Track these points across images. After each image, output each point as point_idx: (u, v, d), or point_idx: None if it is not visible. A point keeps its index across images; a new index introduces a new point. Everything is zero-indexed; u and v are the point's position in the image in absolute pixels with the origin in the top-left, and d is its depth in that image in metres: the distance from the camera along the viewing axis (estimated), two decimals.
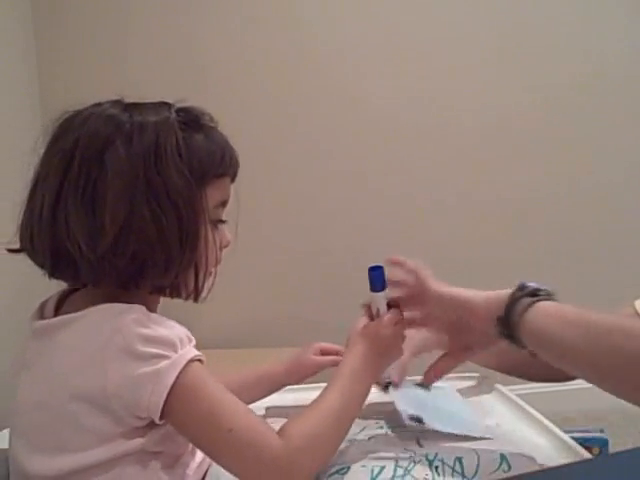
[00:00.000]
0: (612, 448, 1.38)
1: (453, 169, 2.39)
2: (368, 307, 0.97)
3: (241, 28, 2.31)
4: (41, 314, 0.84)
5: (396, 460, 0.88)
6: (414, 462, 0.88)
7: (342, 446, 0.85)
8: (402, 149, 2.37)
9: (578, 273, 2.42)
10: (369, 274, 0.95)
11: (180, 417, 0.76)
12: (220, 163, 0.86)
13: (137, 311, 0.77)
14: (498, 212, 2.43)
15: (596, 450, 1.35)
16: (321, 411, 0.83)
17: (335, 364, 1.05)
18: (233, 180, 0.92)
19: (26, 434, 0.79)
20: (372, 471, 0.86)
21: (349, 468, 0.87)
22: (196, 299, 0.85)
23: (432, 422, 1.00)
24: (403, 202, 2.39)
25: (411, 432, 0.98)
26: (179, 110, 0.86)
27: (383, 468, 0.87)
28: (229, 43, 2.32)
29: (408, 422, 1.01)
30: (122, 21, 2.27)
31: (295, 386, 1.13)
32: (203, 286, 0.85)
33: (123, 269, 0.78)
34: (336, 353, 1.12)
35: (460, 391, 1.17)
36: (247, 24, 2.31)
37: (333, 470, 0.87)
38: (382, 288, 0.96)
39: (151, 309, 0.81)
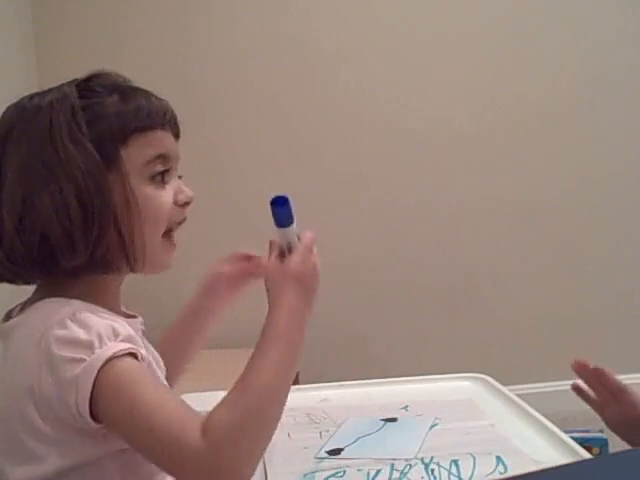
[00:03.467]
0: (612, 448, 1.37)
1: (452, 170, 2.38)
2: (275, 245, 0.87)
3: (236, 22, 2.31)
4: (9, 315, 0.83)
5: (392, 463, 0.88)
6: (410, 465, 0.87)
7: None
8: (401, 149, 2.37)
9: (580, 275, 2.42)
10: (272, 209, 0.84)
11: (107, 418, 0.72)
12: (139, 118, 0.82)
13: (64, 312, 0.75)
14: (499, 213, 2.43)
15: (596, 450, 1.35)
16: (247, 392, 0.74)
17: (248, 272, 0.99)
18: (175, 134, 0.88)
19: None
20: (368, 474, 0.85)
21: (345, 472, 0.86)
22: (133, 269, 0.81)
23: (353, 452, 0.93)
24: (403, 202, 2.39)
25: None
26: (87, 79, 0.84)
27: (379, 471, 0.86)
28: (227, 43, 2.32)
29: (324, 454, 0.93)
30: (120, 18, 2.27)
31: None
32: (139, 254, 0.81)
33: (36, 257, 0.76)
34: (249, 259, 1.01)
35: (459, 391, 1.17)
36: (242, 18, 2.31)
37: (329, 473, 0.86)
38: (291, 221, 0.86)
39: (104, 295, 0.80)
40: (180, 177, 0.89)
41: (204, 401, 1.06)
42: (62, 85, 0.83)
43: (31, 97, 0.82)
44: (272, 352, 0.77)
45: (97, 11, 2.27)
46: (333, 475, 0.86)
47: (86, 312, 0.76)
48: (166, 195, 0.84)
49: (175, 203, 0.85)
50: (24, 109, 0.81)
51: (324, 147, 2.36)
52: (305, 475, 0.86)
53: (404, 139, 2.35)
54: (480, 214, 2.41)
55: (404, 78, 2.35)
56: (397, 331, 2.39)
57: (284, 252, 0.86)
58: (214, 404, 1.09)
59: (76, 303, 0.77)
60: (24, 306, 0.82)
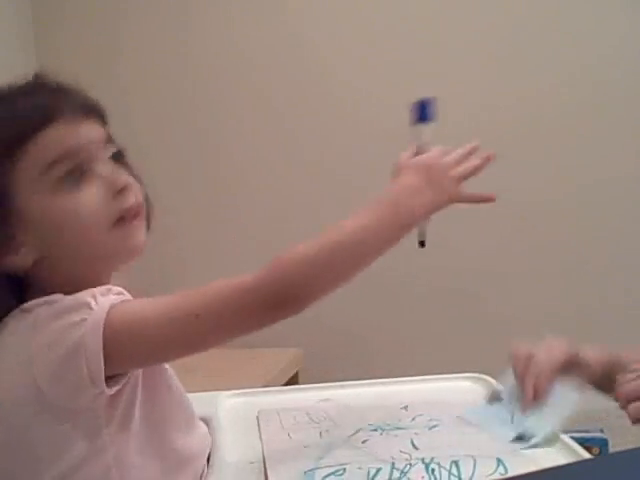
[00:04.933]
0: (612, 448, 1.37)
1: None
2: (411, 145, 0.89)
3: (234, 22, 2.31)
4: None
5: (392, 462, 0.88)
6: (410, 465, 0.87)
7: (336, 447, 0.85)
8: (402, 150, 2.37)
9: (580, 275, 2.42)
10: (414, 106, 0.87)
11: (132, 358, 0.72)
12: (16, 129, 0.74)
13: (38, 302, 0.74)
14: (498, 213, 2.42)
15: (596, 450, 1.35)
16: (329, 234, 0.75)
17: None
18: (86, 116, 0.79)
19: None
20: (369, 473, 0.85)
21: (345, 470, 0.86)
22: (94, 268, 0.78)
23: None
24: None
25: (405, 434, 0.97)
26: None
27: (379, 470, 0.86)
28: (226, 43, 2.32)
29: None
30: (119, 18, 2.27)
31: (287, 387, 1.12)
32: (86, 258, 0.77)
33: None
34: None
35: (459, 391, 1.17)
36: (240, 18, 2.31)
37: (329, 471, 0.86)
38: (430, 119, 0.88)
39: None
40: (119, 154, 0.81)
41: (206, 401, 1.07)
42: None
43: None
44: (368, 212, 0.79)
45: (97, 11, 2.27)
46: (333, 473, 0.86)
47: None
48: (83, 196, 0.76)
49: (107, 195, 0.77)
50: None
51: (323, 148, 2.36)
52: (305, 473, 0.86)
53: (404, 140, 2.35)
54: (479, 214, 2.41)
55: (404, 79, 2.35)
56: (397, 331, 2.39)
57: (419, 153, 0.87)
58: (215, 404, 1.09)
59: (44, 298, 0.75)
60: None
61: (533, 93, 2.40)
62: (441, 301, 2.41)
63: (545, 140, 2.41)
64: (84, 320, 0.70)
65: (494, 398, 1.06)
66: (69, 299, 0.73)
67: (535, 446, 0.92)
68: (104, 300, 0.73)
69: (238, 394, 1.16)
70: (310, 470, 0.86)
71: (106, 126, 0.82)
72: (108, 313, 0.71)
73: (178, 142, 2.29)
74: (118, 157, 0.81)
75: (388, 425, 1.01)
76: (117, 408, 0.75)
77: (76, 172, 0.76)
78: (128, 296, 0.77)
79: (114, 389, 0.73)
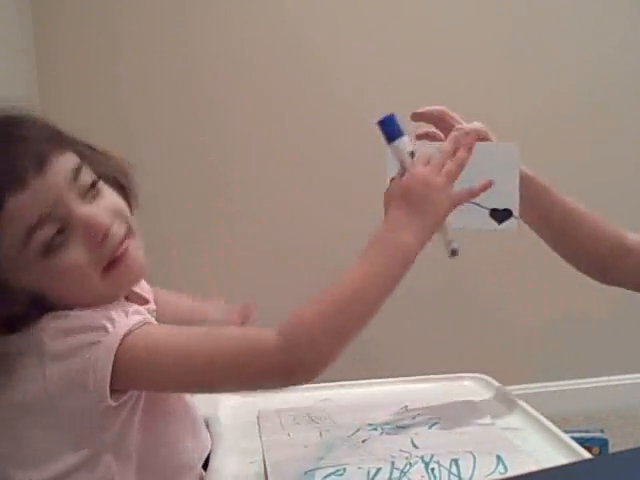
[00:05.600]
0: (612, 448, 1.37)
1: None
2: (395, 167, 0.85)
3: (233, 23, 2.31)
4: None
5: (392, 462, 0.88)
6: (410, 464, 0.87)
7: (336, 447, 0.85)
8: None
9: (580, 275, 2.41)
10: (379, 126, 0.84)
11: (139, 383, 0.73)
12: None
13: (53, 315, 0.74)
14: None
15: (596, 450, 1.35)
16: (334, 292, 0.75)
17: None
18: (39, 171, 0.71)
19: None
20: (368, 472, 0.85)
21: (345, 469, 0.86)
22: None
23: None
24: None
25: (405, 434, 0.97)
26: None
27: (379, 469, 0.86)
28: (224, 43, 2.32)
29: None
30: (119, 18, 2.27)
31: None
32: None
33: None
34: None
35: (459, 391, 1.16)
36: (239, 19, 2.31)
37: (329, 471, 0.86)
38: (398, 134, 0.84)
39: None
40: (94, 185, 0.77)
41: (206, 401, 1.07)
42: None
43: None
44: (363, 259, 0.78)
45: (96, 11, 2.27)
46: (333, 473, 0.86)
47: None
48: (70, 256, 0.74)
49: (91, 247, 0.75)
50: None
51: (323, 147, 2.36)
52: (305, 473, 0.86)
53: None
54: None
55: (403, 79, 2.35)
56: (397, 331, 2.39)
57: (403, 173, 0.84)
58: (215, 404, 1.09)
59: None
60: None
61: (534, 97, 2.40)
62: (441, 301, 2.41)
63: (545, 141, 2.41)
64: (99, 342, 0.72)
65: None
66: (88, 318, 0.74)
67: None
68: (122, 324, 0.74)
69: (238, 394, 1.16)
70: (310, 470, 0.86)
71: (70, 147, 0.77)
72: (123, 339, 0.72)
73: (177, 142, 2.29)
74: (93, 182, 0.78)
75: (388, 425, 1.01)
76: (118, 416, 0.76)
77: (60, 232, 0.73)
78: (147, 315, 0.78)
79: (118, 402, 0.74)
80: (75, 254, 0.74)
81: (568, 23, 2.41)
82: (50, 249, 0.73)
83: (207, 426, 0.99)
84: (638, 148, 2.46)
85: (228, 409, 1.10)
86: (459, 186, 0.95)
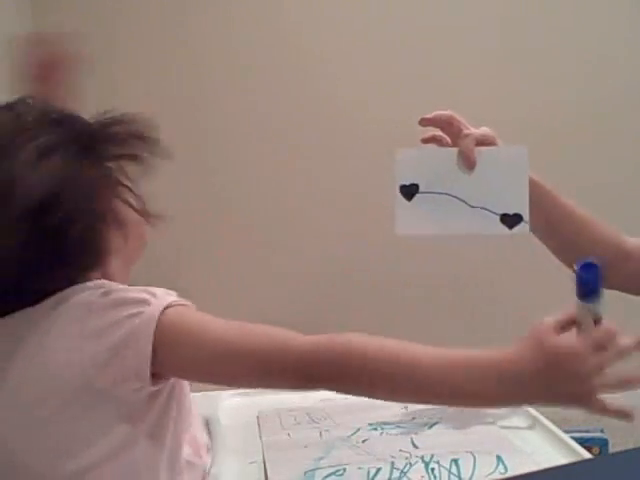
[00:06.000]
0: (612, 448, 1.37)
1: None
2: (566, 313, 0.71)
3: (233, 22, 2.31)
4: None
5: (392, 462, 0.88)
6: (410, 464, 0.87)
7: (336, 447, 0.85)
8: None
9: None
10: (577, 273, 0.71)
11: (176, 364, 0.74)
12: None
13: (98, 285, 0.76)
14: None
15: (596, 450, 1.35)
16: (400, 366, 0.69)
17: None
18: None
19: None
20: (368, 473, 0.85)
21: (345, 470, 0.86)
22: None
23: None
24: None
25: (405, 434, 0.97)
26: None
27: (379, 470, 0.86)
28: (223, 43, 2.32)
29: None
30: (118, 19, 2.28)
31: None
32: None
33: None
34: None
35: None
36: (239, 19, 2.31)
37: (329, 471, 0.86)
38: (591, 295, 0.71)
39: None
40: None
41: (206, 401, 1.07)
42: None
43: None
44: (460, 367, 0.68)
45: (97, 11, 2.27)
46: (333, 473, 0.86)
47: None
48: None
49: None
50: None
51: (321, 149, 2.36)
52: (305, 473, 0.86)
53: (403, 142, 2.35)
54: None
55: (403, 79, 2.35)
56: (397, 331, 2.38)
57: (569, 326, 0.70)
58: (216, 404, 1.09)
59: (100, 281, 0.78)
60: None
61: (534, 100, 2.40)
62: (441, 301, 2.41)
63: (545, 142, 2.41)
64: (140, 313, 0.73)
65: None
66: (130, 292, 0.75)
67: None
68: (162, 298, 0.75)
69: (238, 394, 1.16)
70: (310, 470, 0.86)
71: None
72: (164, 311, 0.73)
73: (176, 142, 2.29)
74: None
75: (388, 425, 1.01)
76: (154, 407, 0.76)
77: None
78: (185, 300, 0.79)
79: (157, 387, 0.74)
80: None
81: (569, 27, 2.41)
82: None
83: (207, 426, 0.99)
84: (636, 149, 2.46)
85: (228, 409, 1.11)
86: (468, 192, 0.96)
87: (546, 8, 2.39)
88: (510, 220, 0.97)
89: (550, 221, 1.02)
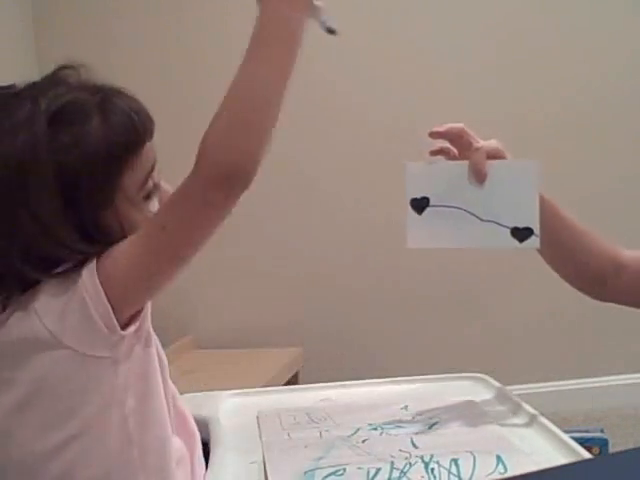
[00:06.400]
0: (612, 448, 1.37)
1: None
2: None
3: (232, 22, 2.31)
4: None
5: (392, 462, 0.88)
6: (410, 464, 0.87)
7: (336, 447, 0.84)
8: (401, 154, 2.36)
9: None
10: None
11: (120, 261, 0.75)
12: (128, 139, 0.82)
13: None
14: None
15: (596, 450, 1.34)
16: (227, 97, 0.76)
17: None
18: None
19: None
20: (368, 473, 0.85)
21: (345, 469, 0.86)
22: None
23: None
24: (403, 206, 2.39)
25: (405, 434, 0.97)
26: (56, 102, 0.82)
27: (379, 470, 0.86)
28: (223, 43, 2.31)
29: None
30: (117, 18, 2.28)
31: (287, 387, 1.12)
32: None
33: None
34: None
35: (459, 391, 1.17)
36: (237, 18, 2.31)
37: (329, 471, 0.86)
38: None
39: None
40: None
41: (206, 401, 1.07)
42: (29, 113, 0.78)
43: None
44: (248, 55, 0.79)
45: (97, 11, 2.28)
46: (333, 473, 0.86)
47: None
48: (150, 210, 0.83)
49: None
50: None
51: (320, 146, 2.36)
52: (305, 473, 0.86)
53: (403, 143, 2.35)
54: None
55: (403, 79, 2.35)
56: (397, 331, 2.39)
57: None
58: (215, 404, 1.09)
59: None
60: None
61: (534, 99, 2.40)
62: (441, 301, 2.41)
63: (545, 142, 2.41)
64: (79, 274, 0.74)
65: None
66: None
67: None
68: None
69: (238, 394, 1.16)
70: (310, 470, 0.86)
71: None
72: (97, 260, 0.75)
73: (175, 142, 2.29)
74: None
75: (388, 425, 1.01)
76: (134, 360, 0.77)
77: (154, 189, 0.83)
78: None
79: (131, 329, 0.76)
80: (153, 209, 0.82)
81: (569, 27, 2.41)
82: (150, 196, 0.81)
83: (207, 426, 0.99)
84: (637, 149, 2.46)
85: (228, 409, 1.10)
86: (478, 206, 0.98)
87: (547, 9, 2.40)
88: (520, 234, 0.99)
89: (547, 231, 1.03)
